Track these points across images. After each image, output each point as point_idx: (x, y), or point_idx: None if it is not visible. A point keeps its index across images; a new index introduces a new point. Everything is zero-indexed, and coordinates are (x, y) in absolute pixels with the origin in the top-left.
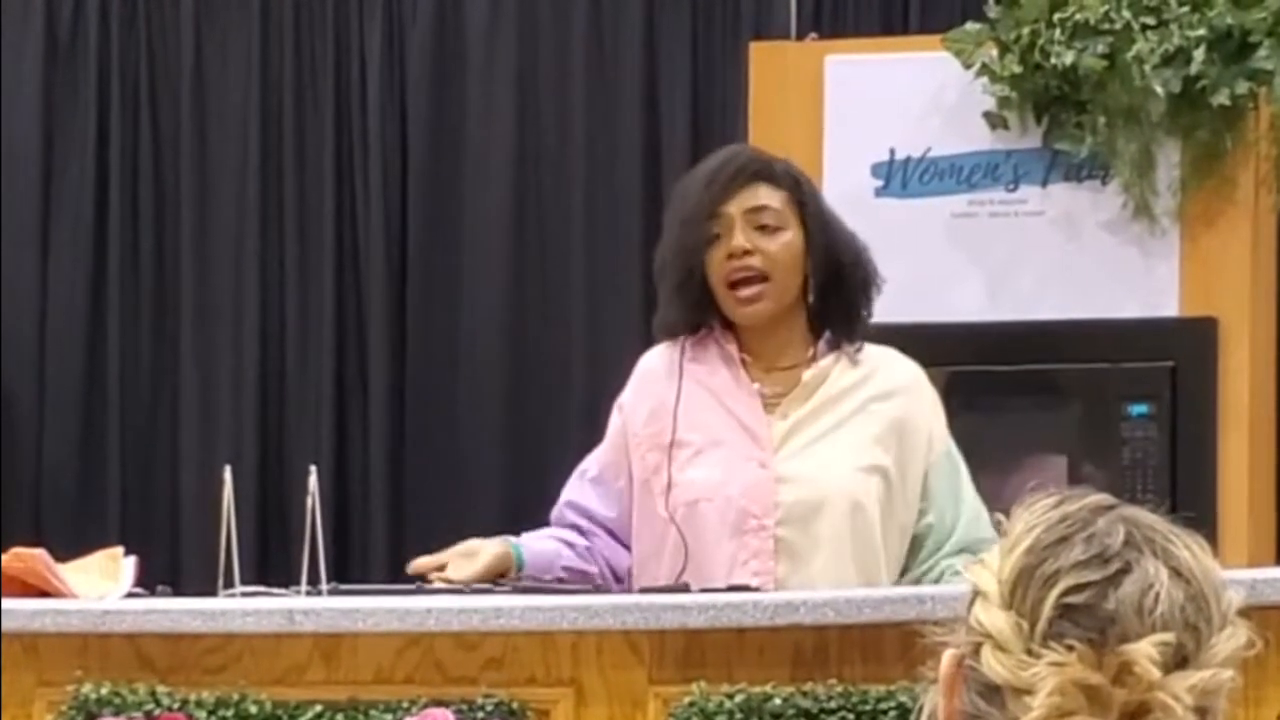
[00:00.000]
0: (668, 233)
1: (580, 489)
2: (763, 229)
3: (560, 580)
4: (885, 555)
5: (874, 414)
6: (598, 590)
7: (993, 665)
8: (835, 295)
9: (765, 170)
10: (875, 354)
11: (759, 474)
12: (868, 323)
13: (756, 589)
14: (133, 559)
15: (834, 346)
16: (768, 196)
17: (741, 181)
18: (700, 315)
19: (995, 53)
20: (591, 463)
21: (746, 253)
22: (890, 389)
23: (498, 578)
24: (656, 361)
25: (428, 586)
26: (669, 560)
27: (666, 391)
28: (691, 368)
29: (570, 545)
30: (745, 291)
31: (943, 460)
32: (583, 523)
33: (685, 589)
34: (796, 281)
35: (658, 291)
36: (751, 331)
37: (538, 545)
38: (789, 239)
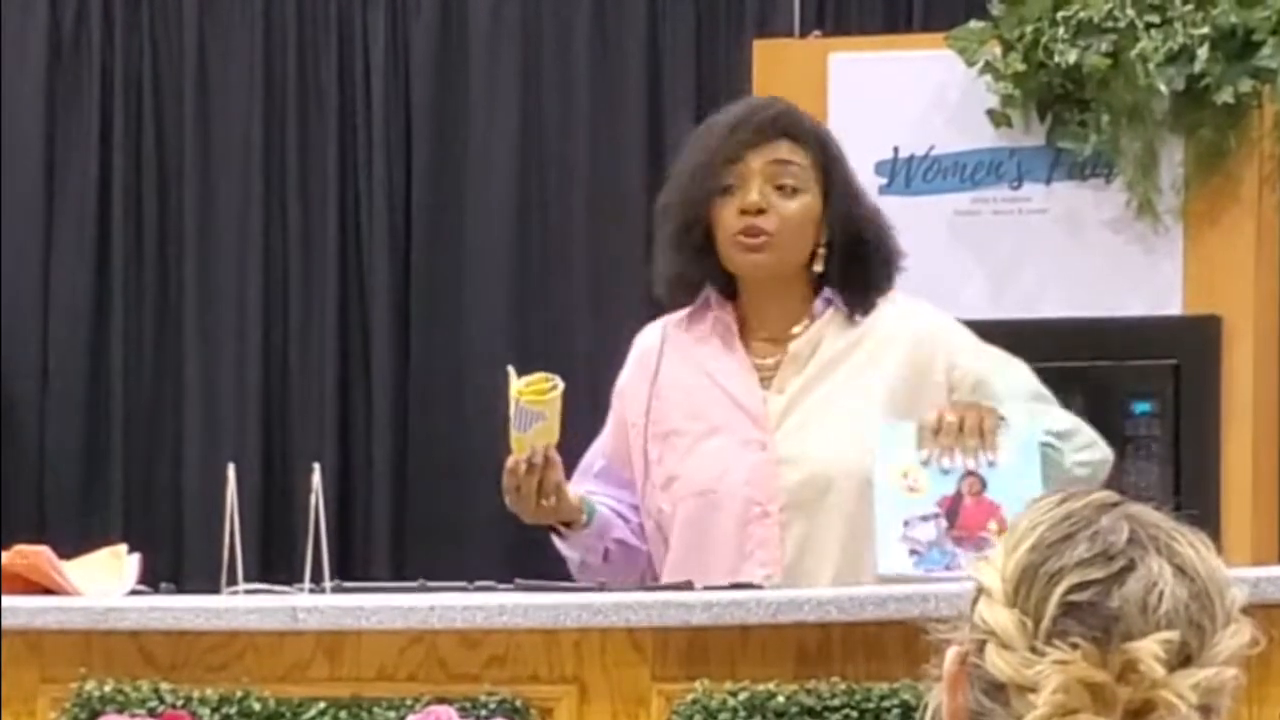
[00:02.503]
0: (675, 177)
1: (587, 485)
2: (781, 189)
3: (607, 552)
4: None
5: (878, 373)
6: (601, 587)
7: (997, 663)
8: (854, 269)
9: (795, 127)
10: (881, 308)
11: (759, 457)
12: (886, 295)
13: (759, 586)
14: (136, 556)
15: (833, 308)
16: (793, 154)
17: (770, 134)
18: (698, 270)
19: (999, 51)
20: (596, 455)
21: (760, 211)
22: (891, 340)
23: (564, 524)
24: (653, 339)
25: (430, 584)
26: (665, 553)
27: (662, 374)
28: (685, 343)
29: (624, 519)
30: (751, 240)
31: (967, 380)
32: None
33: (689, 586)
34: (805, 247)
35: (655, 241)
36: (750, 294)
37: (600, 507)
38: (807, 202)
